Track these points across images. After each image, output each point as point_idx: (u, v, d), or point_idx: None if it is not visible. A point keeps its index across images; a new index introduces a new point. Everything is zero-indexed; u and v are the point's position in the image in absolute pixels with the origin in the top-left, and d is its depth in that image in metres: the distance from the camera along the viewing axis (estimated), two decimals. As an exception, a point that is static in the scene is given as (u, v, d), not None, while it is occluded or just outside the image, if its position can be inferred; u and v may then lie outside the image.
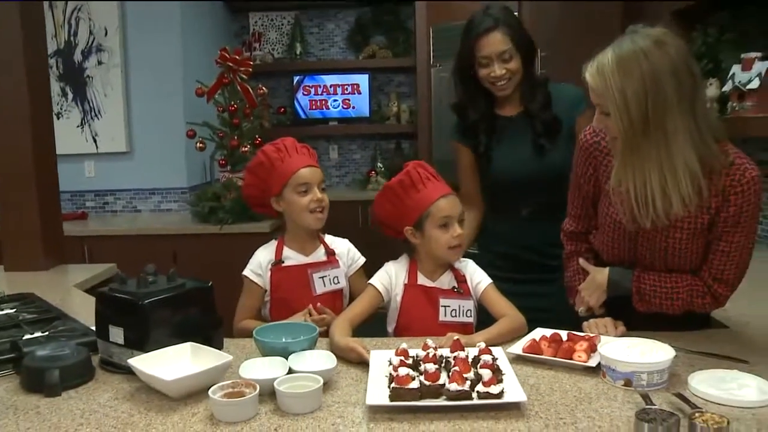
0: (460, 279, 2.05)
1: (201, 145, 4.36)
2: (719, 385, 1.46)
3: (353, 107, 6.10)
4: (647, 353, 1.54)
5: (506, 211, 2.44)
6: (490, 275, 2.12)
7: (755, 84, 2.63)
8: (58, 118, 4.77)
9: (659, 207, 1.63)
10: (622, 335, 1.76)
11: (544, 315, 1.98)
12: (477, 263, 2.14)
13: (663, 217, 1.65)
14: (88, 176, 4.97)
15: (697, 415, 1.28)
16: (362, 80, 6.07)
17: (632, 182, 1.64)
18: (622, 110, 1.58)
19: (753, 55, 2.68)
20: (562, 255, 2.11)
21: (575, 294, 1.96)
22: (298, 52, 6.13)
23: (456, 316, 1.99)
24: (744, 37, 2.92)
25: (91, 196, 4.99)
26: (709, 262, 1.74)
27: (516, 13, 2.47)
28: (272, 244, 2.20)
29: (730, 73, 2.77)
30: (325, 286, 2.14)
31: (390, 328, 2.07)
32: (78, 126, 4.89)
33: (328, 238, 2.25)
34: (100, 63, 4.85)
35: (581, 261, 1.95)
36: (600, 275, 1.87)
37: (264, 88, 4.69)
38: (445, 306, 2.00)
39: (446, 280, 2.04)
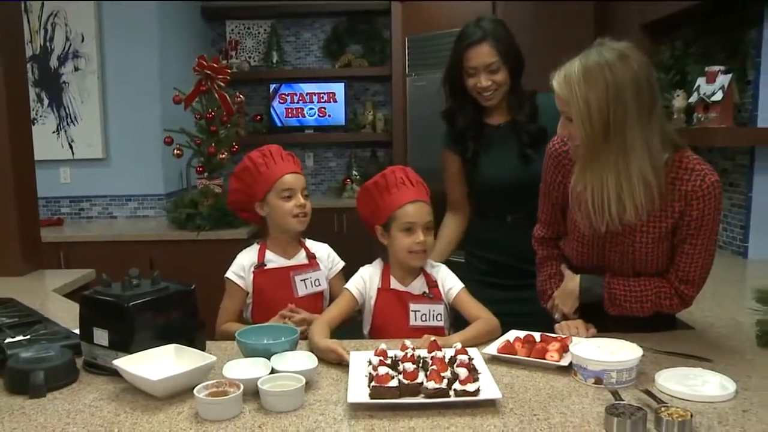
0: (431, 284, 2.09)
1: (178, 152, 4.37)
2: (684, 382, 1.53)
3: (329, 115, 6.14)
4: (616, 353, 1.61)
5: (492, 217, 2.50)
6: (476, 281, 2.17)
7: (719, 96, 2.72)
8: (34, 124, 4.70)
9: (614, 212, 1.70)
10: (593, 337, 1.82)
11: (530, 319, 2.02)
12: (464, 269, 2.18)
13: (617, 221, 1.71)
14: (63, 182, 4.95)
15: (662, 409, 1.34)
16: (338, 89, 6.11)
17: (590, 187, 1.70)
18: (585, 118, 1.64)
19: (716, 68, 2.77)
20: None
21: (548, 299, 2.02)
22: (274, 61, 6.16)
23: (426, 320, 2.05)
24: (708, 51, 3.02)
25: (66, 202, 4.98)
26: (675, 264, 1.81)
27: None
28: (254, 248, 2.25)
29: (696, 85, 2.87)
30: (306, 288, 2.19)
31: (365, 330, 2.13)
32: (54, 132, 4.88)
33: (309, 243, 2.30)
34: (76, 69, 4.84)
35: (562, 267, 2.01)
36: (572, 283, 1.93)
37: (241, 95, 4.72)
38: (415, 311, 2.05)
39: (418, 285, 2.09)
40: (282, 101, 6.15)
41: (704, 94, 2.79)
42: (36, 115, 4.84)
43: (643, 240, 1.79)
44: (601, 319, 1.90)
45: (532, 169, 2.33)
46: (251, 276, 2.19)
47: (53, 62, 4.86)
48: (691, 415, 1.31)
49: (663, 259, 1.82)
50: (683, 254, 1.78)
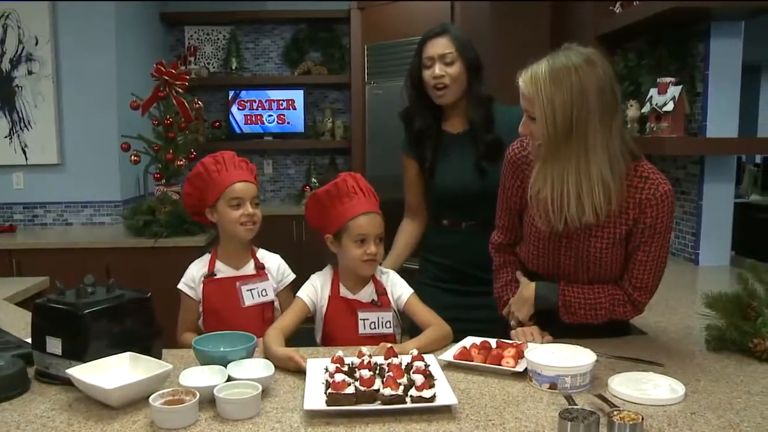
0: (381, 291, 2.10)
1: (135, 158, 4.31)
2: (636, 386, 1.57)
3: (288, 122, 6.13)
4: (571, 358, 1.64)
5: (448, 224, 2.51)
6: (430, 286, 2.18)
7: (670, 107, 2.79)
8: (-16, 129, 4.65)
9: (573, 212, 1.73)
10: (548, 343, 1.85)
11: (483, 326, 2.04)
12: (418, 274, 2.19)
13: (576, 220, 1.75)
14: (16, 188, 4.83)
15: (615, 413, 1.37)
16: (297, 96, 6.10)
17: (550, 186, 1.74)
18: (549, 117, 1.68)
19: (667, 79, 2.85)
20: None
21: (504, 305, 2.05)
22: (233, 67, 6.13)
23: (375, 328, 2.05)
24: (660, 63, 3.10)
25: (19, 208, 4.86)
26: (629, 272, 1.85)
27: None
28: (205, 258, 2.25)
29: (648, 96, 2.93)
30: (253, 298, 2.18)
31: (317, 338, 2.13)
32: (6, 137, 4.76)
33: (261, 253, 2.29)
34: (30, 72, 4.73)
35: (517, 273, 2.03)
36: (527, 290, 1.97)
37: (200, 102, 4.68)
38: (363, 319, 2.05)
39: (367, 293, 2.10)
40: (241, 108, 6.12)
41: (656, 104, 2.86)
42: (-14, 119, 4.73)
43: (598, 245, 1.82)
44: (556, 325, 1.94)
45: (488, 180, 2.35)
46: (201, 286, 2.18)
47: (5, 65, 4.74)
48: (642, 419, 1.34)
49: (616, 266, 1.86)
50: (636, 261, 1.82)
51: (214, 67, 6.20)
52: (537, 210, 1.82)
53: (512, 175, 1.97)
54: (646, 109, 2.96)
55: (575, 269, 1.89)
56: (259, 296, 2.19)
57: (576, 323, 1.91)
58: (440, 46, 2.36)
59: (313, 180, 6.13)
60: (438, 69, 2.35)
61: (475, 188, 2.39)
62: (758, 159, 6.72)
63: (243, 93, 6.11)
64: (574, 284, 1.90)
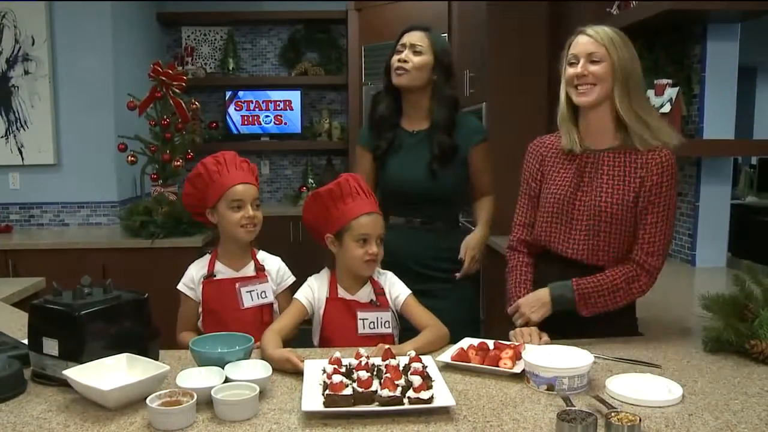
0: (378, 291, 2.10)
1: (132, 158, 4.31)
2: (633, 388, 1.56)
3: (285, 123, 6.13)
4: (568, 359, 1.64)
5: (395, 220, 2.56)
6: None
7: (667, 108, 2.79)
8: (-20, 129, 4.65)
9: (653, 129, 1.93)
10: (545, 344, 1.86)
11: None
12: None
13: (640, 142, 1.93)
14: (12, 188, 4.83)
15: (612, 414, 1.37)
16: (294, 97, 6.11)
17: (626, 117, 1.92)
18: (623, 58, 1.90)
19: (664, 81, 2.85)
20: (444, 268, 2.41)
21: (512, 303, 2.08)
22: (230, 68, 6.13)
23: (374, 328, 2.05)
24: (656, 64, 3.10)
25: (15, 208, 4.86)
26: (640, 239, 1.94)
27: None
28: (205, 259, 2.24)
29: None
30: (252, 300, 2.17)
31: (315, 340, 2.12)
32: (2, 137, 4.76)
33: (261, 255, 2.28)
34: (27, 72, 4.73)
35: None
36: (543, 293, 1.99)
37: (197, 102, 4.68)
38: (363, 319, 2.06)
39: (365, 293, 2.10)
40: (238, 108, 6.12)
41: (653, 106, 2.86)
42: (-18, 119, 4.72)
43: (609, 200, 1.94)
44: (555, 326, 1.95)
45: (436, 182, 2.47)
46: (201, 287, 2.17)
47: (1, 65, 4.73)
48: (640, 420, 1.34)
49: (626, 232, 1.95)
50: (647, 225, 1.93)
51: (211, 68, 6.20)
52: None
53: (534, 161, 2.12)
54: (643, 110, 2.96)
55: (587, 235, 1.95)
56: (258, 298, 2.18)
57: (593, 315, 1.96)
58: (415, 37, 2.52)
59: (310, 181, 6.13)
60: (404, 54, 2.51)
61: (423, 187, 2.49)
62: (754, 161, 6.74)
63: (240, 94, 6.11)
64: (584, 277, 1.95)
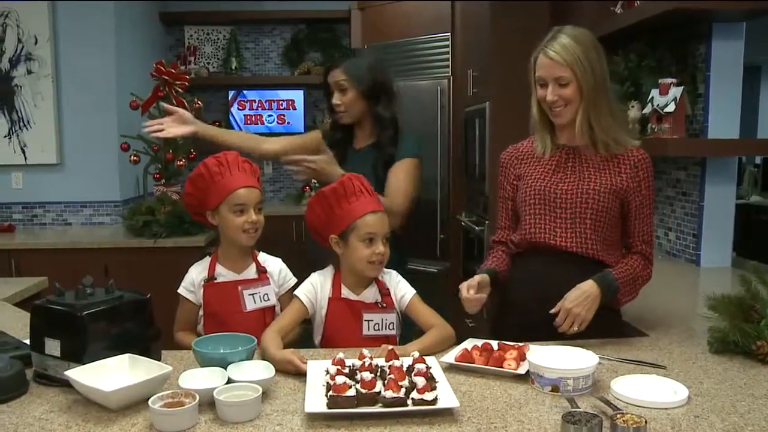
0: (384, 292, 2.08)
1: (135, 158, 4.31)
2: (639, 389, 1.55)
3: (288, 123, 6.13)
4: (573, 360, 1.63)
5: None
6: None
7: (671, 108, 2.78)
8: (-17, 128, 4.65)
9: (616, 139, 2.01)
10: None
11: None
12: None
13: (604, 149, 2.01)
14: (15, 188, 4.83)
15: (618, 416, 1.36)
16: (297, 96, 6.11)
17: (596, 126, 1.98)
18: (588, 72, 1.94)
19: (669, 80, 2.84)
20: None
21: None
22: (233, 67, 6.13)
23: (379, 329, 2.04)
24: (661, 64, 3.09)
25: (18, 208, 4.86)
26: (638, 230, 2.04)
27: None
28: (205, 261, 2.22)
29: (649, 97, 2.92)
30: (255, 303, 2.15)
31: (316, 340, 2.11)
32: (5, 136, 4.76)
33: (262, 256, 2.26)
34: (29, 72, 4.73)
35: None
36: (587, 286, 1.90)
37: (199, 102, 4.68)
38: (368, 320, 2.04)
39: (370, 294, 2.08)
40: (241, 108, 6.12)
41: (657, 105, 2.85)
42: (-15, 119, 4.73)
43: (596, 188, 1.98)
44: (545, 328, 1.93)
45: (381, 188, 2.50)
46: (201, 290, 2.16)
47: (4, 64, 4.74)
48: (646, 422, 1.34)
49: (612, 223, 2.01)
50: (644, 217, 2.03)
51: (214, 67, 6.19)
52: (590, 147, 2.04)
53: (510, 169, 2.18)
54: (647, 110, 2.95)
55: (572, 222, 1.99)
56: (261, 301, 2.15)
57: (620, 306, 2.03)
58: (336, 76, 2.64)
59: (313, 180, 6.11)
60: (335, 98, 2.66)
61: None
62: (758, 160, 6.72)
63: (243, 93, 6.10)
64: (606, 269, 1.97)
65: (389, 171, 2.58)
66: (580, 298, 1.89)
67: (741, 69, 2.94)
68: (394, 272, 2.15)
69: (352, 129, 2.76)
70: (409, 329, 2.14)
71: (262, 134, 6.01)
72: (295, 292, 2.08)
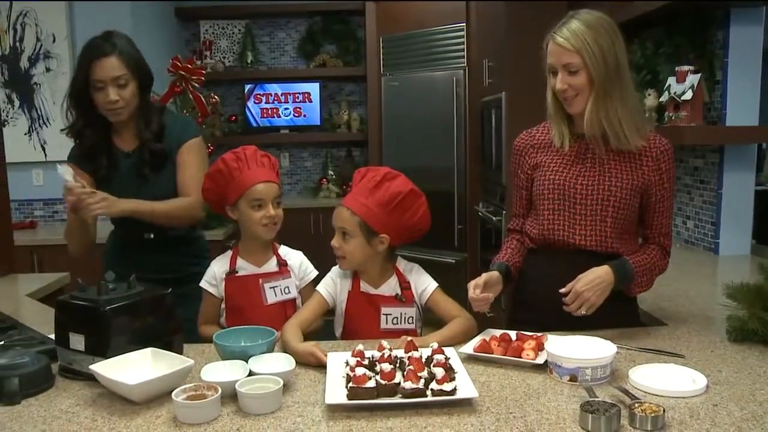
0: (405, 285, 2.08)
1: (153, 153, 4.33)
2: (657, 378, 1.56)
3: (304, 115, 6.14)
4: (591, 350, 1.63)
5: (124, 234, 2.56)
6: None
7: (689, 95, 2.76)
8: (5, 126, 4.68)
9: (629, 137, 1.92)
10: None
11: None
12: None
13: (620, 144, 1.93)
14: (36, 184, 4.89)
15: (636, 405, 1.37)
16: (313, 89, 6.11)
17: (605, 119, 1.90)
18: (599, 59, 1.86)
19: (686, 68, 2.82)
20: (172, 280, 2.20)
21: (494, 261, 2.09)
22: (249, 61, 6.15)
23: (398, 323, 2.04)
24: (678, 51, 3.06)
25: (39, 204, 4.92)
26: (657, 222, 2.00)
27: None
28: (227, 255, 2.23)
29: (666, 85, 2.91)
30: (276, 296, 2.16)
31: (337, 333, 2.12)
32: (25, 134, 4.82)
33: (283, 249, 2.27)
34: (48, 70, 4.79)
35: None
36: (602, 271, 1.88)
37: (216, 96, 4.70)
38: (386, 314, 2.04)
39: (390, 287, 2.08)
40: (257, 101, 6.14)
41: (675, 93, 2.83)
42: (6, 116, 4.78)
43: (618, 185, 1.94)
44: (559, 318, 1.92)
45: (148, 186, 2.39)
46: (223, 284, 2.18)
47: (24, 63, 4.80)
48: (664, 411, 1.34)
49: (631, 218, 1.98)
50: (664, 210, 2.00)
51: (229, 61, 6.22)
52: (596, 141, 1.96)
53: (524, 157, 2.13)
54: (664, 98, 2.93)
55: (593, 221, 1.96)
56: (282, 294, 2.17)
57: (633, 295, 2.01)
58: (110, 68, 2.29)
59: (330, 173, 6.14)
60: (112, 94, 2.29)
61: (139, 197, 2.33)
62: (778, 146, 6.64)
63: (259, 87, 6.13)
64: (623, 257, 1.95)
65: (177, 162, 2.43)
66: (593, 282, 1.86)
67: (760, 54, 2.91)
68: (416, 266, 2.16)
69: (108, 130, 2.44)
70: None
71: (278, 128, 6.08)
72: (317, 287, 2.10)
